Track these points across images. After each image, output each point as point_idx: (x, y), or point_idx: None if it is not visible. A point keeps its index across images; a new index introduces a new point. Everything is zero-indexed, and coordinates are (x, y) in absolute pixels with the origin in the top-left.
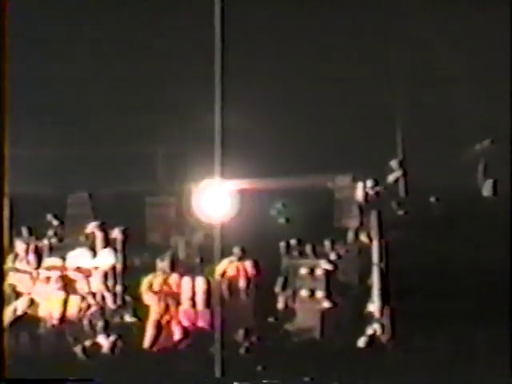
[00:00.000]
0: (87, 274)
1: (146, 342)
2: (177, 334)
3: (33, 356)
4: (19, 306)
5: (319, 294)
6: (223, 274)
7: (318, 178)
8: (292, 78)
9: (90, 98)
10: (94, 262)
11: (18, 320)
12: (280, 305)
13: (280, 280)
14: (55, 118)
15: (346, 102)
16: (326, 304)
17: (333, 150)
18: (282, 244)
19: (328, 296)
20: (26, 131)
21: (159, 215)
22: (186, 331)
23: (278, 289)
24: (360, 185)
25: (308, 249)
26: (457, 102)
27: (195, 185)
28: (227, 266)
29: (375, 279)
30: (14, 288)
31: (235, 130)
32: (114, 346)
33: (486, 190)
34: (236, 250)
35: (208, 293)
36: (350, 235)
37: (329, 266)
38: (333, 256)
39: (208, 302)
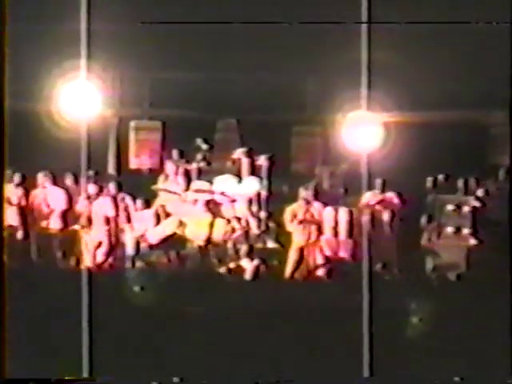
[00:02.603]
0: (233, 199)
1: (288, 269)
2: (318, 263)
3: (180, 272)
4: (168, 225)
5: (465, 230)
6: (366, 206)
7: (470, 113)
8: (442, 13)
9: (238, 26)
10: (239, 188)
11: (167, 239)
12: (424, 240)
13: (425, 215)
14: (206, 43)
15: (503, 37)
16: (473, 241)
17: (488, 85)
18: (429, 178)
19: (474, 233)
20: (176, 55)
21: (305, 144)
22: (327, 260)
23: (422, 224)
24: None
25: (456, 184)
26: None
27: (342, 116)
28: (370, 198)
29: None
30: (163, 208)
31: (382, 63)
32: (256, 270)
33: None
34: (380, 182)
35: (351, 223)
36: (502, 172)
37: (477, 203)
38: (481, 193)
39: (351, 233)
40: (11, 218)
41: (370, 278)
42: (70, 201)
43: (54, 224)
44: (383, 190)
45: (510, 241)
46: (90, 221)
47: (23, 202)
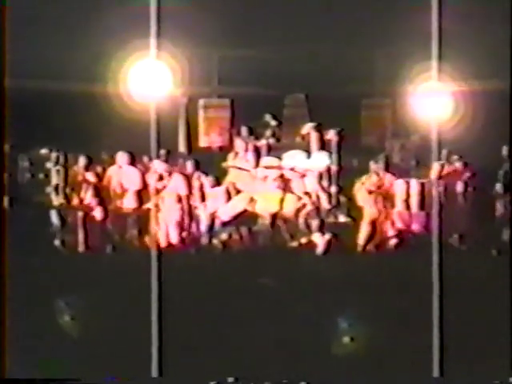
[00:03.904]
0: (302, 175)
1: (360, 243)
2: (390, 236)
3: (249, 249)
4: (238, 202)
5: None
6: (439, 177)
7: None
8: None
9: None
10: (309, 163)
11: (238, 216)
12: (499, 210)
13: (500, 184)
14: (273, 18)
15: None
16: None
17: None
18: (504, 147)
19: None
20: (243, 31)
21: (375, 117)
22: (399, 233)
23: (497, 193)
24: None
25: None
26: None
27: (412, 87)
28: (442, 169)
29: None
30: (233, 185)
31: (452, 31)
32: (328, 244)
33: None
34: (449, 153)
35: (423, 195)
36: None
37: None
38: None
39: (423, 205)
40: (87, 198)
41: (440, 251)
42: (144, 180)
43: (129, 203)
44: (452, 161)
45: None
46: (162, 199)
47: (96, 182)
